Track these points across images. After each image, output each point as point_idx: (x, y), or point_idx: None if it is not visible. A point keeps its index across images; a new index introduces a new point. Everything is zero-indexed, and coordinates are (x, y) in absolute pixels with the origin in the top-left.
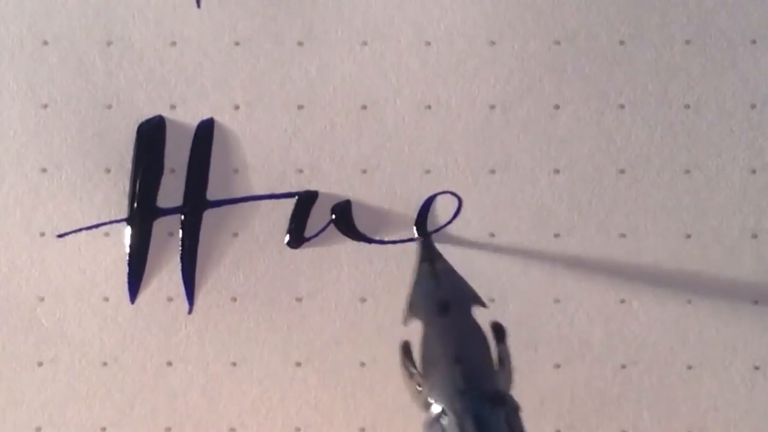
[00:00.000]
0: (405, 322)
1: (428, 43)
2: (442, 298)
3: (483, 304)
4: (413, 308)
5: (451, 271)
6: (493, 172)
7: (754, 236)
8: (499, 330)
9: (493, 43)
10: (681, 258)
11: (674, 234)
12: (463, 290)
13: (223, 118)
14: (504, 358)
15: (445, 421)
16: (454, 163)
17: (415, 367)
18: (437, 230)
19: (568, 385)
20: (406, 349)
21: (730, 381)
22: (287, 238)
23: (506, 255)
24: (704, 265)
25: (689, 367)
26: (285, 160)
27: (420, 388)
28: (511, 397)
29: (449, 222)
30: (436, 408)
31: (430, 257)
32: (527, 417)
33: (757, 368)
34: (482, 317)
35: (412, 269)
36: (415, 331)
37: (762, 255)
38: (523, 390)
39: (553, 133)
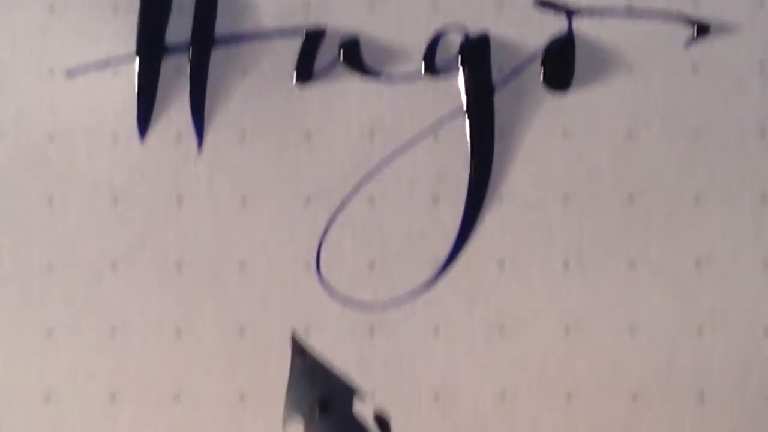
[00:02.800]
0: (284, 422)
1: None
2: (320, 396)
3: (358, 395)
4: (293, 407)
5: (322, 368)
6: None
7: (762, 68)
8: (382, 423)
9: None
10: (688, 90)
11: (682, 66)
12: (340, 386)
13: None
14: None
15: None
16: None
17: None
18: None
19: (576, 217)
20: None
21: (737, 211)
22: (295, 75)
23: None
24: (712, 98)
25: (697, 198)
26: None
27: None
28: None
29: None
30: None
31: (299, 353)
32: (536, 250)
33: (764, 197)
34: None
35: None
36: None
37: None
38: (532, 223)
39: None
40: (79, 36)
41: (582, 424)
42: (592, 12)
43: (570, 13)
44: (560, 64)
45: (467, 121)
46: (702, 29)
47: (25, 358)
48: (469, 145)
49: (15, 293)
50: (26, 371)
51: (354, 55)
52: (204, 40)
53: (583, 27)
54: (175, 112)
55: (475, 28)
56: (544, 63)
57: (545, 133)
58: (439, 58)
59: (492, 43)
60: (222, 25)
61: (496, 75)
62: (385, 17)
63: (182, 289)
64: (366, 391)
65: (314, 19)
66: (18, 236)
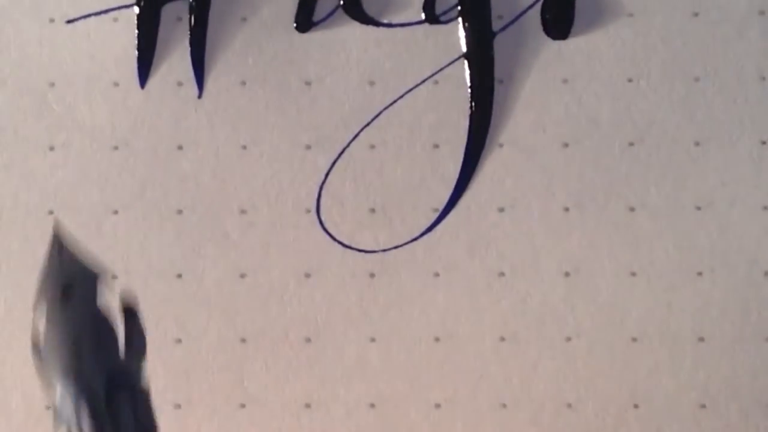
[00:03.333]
0: (34, 307)
1: None
2: (65, 281)
3: (105, 282)
4: (40, 294)
5: (75, 258)
6: None
7: (762, 13)
8: (128, 310)
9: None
10: (688, 36)
11: (681, 12)
12: (86, 272)
13: None
14: (132, 337)
15: (64, 404)
16: None
17: (41, 353)
18: None
19: (577, 163)
20: (34, 334)
21: (737, 156)
22: (296, 22)
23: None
24: (712, 43)
25: (696, 143)
26: None
27: (45, 373)
28: (138, 377)
29: None
30: (58, 391)
31: (57, 245)
32: (536, 196)
33: (763, 143)
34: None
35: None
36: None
37: None
38: (531, 170)
39: None
40: None
41: (582, 366)
42: None
43: None
44: (560, 10)
45: (467, 69)
46: None
47: (26, 305)
48: (469, 92)
49: (16, 239)
50: (27, 314)
51: (354, 3)
52: None
53: None
54: (175, 59)
55: None
56: (543, 10)
57: (545, 80)
58: (439, 5)
59: None
60: None
61: (495, 22)
62: None
63: (183, 234)
64: (112, 275)
65: None
66: (19, 183)
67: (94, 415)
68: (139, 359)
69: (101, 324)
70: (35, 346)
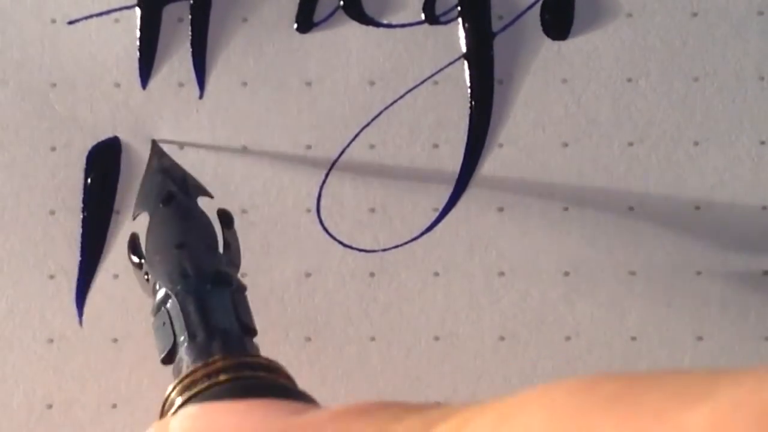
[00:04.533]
0: (133, 216)
1: None
2: (168, 189)
3: (209, 195)
4: (141, 202)
5: (175, 167)
6: None
7: (760, 13)
8: (225, 216)
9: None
10: (687, 36)
11: (680, 12)
12: (187, 182)
13: None
14: (230, 242)
15: (168, 304)
16: None
17: (141, 257)
18: None
19: (576, 163)
20: (132, 240)
21: (736, 156)
22: (296, 22)
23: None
24: (711, 43)
25: (696, 143)
26: None
27: (147, 277)
28: (237, 279)
29: None
30: (160, 294)
31: (156, 155)
32: (535, 196)
33: (762, 142)
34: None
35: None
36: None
37: None
38: (530, 169)
39: None
40: None
41: (581, 365)
42: None
43: None
44: (560, 11)
45: (467, 69)
46: None
47: (28, 304)
48: (468, 92)
49: (17, 240)
50: (30, 314)
51: (354, 4)
52: None
53: None
54: (176, 60)
55: None
56: (543, 10)
57: (545, 80)
58: (439, 6)
59: None
60: None
61: (495, 23)
62: None
63: None
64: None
65: None
66: (21, 182)
67: (202, 312)
68: (237, 262)
69: (202, 229)
70: (136, 255)
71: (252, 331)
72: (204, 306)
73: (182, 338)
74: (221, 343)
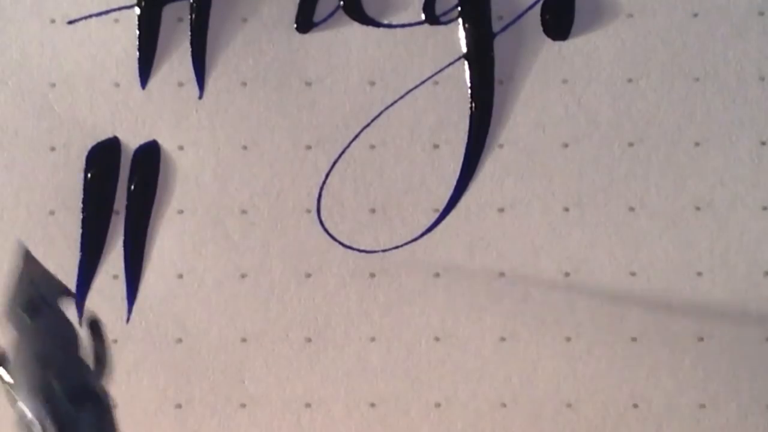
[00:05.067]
0: (5, 332)
1: None
2: (33, 297)
3: (73, 296)
4: (10, 315)
5: (41, 269)
6: None
7: (761, 14)
8: (94, 326)
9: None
10: (688, 36)
11: (681, 13)
12: (51, 285)
13: None
14: (100, 354)
15: (33, 426)
16: None
17: (7, 376)
18: None
19: (576, 163)
20: (1, 359)
21: (737, 156)
22: (296, 22)
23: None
24: (712, 43)
25: (696, 143)
26: None
27: (16, 396)
28: (103, 394)
29: None
30: (26, 413)
31: (24, 258)
32: (536, 196)
33: (763, 143)
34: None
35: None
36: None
37: None
38: (531, 170)
39: None
40: None
41: (581, 366)
42: None
43: None
44: (560, 11)
45: (467, 69)
46: None
47: None
48: (469, 92)
49: (17, 240)
50: None
51: (354, 4)
52: None
53: None
54: (176, 60)
55: None
56: (543, 11)
57: (545, 81)
58: (439, 6)
59: None
60: None
61: (495, 23)
62: None
63: (183, 234)
64: (71, 292)
65: None
66: (20, 183)
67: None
68: (105, 374)
69: (69, 339)
70: (3, 365)
71: None
72: (66, 425)
73: None
74: None
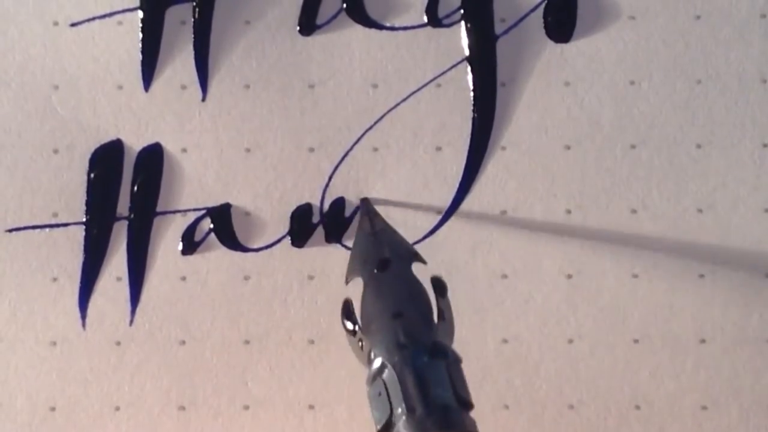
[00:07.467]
0: (346, 281)
1: None
2: (382, 255)
3: (423, 261)
4: (354, 267)
5: (389, 230)
6: None
7: (763, 16)
8: (439, 285)
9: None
10: (690, 39)
11: (683, 15)
12: (402, 247)
13: None
14: (444, 312)
15: (385, 374)
16: None
17: (356, 324)
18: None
19: (578, 165)
20: (346, 306)
21: (739, 158)
22: (299, 25)
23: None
24: (714, 46)
25: (698, 146)
26: None
27: (361, 344)
28: (452, 350)
29: None
30: (377, 363)
31: (369, 216)
32: (538, 198)
33: (765, 145)
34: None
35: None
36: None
37: None
38: (534, 172)
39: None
40: None
41: (583, 368)
42: None
43: None
44: (562, 14)
45: (470, 72)
46: None
47: (30, 306)
48: (471, 94)
49: (20, 242)
50: (33, 317)
51: (357, 6)
52: None
53: None
54: (179, 62)
55: None
56: (546, 13)
57: (547, 83)
58: (442, 8)
59: None
60: None
61: (498, 25)
62: None
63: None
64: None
65: None
66: (23, 184)
67: (420, 386)
68: (451, 332)
69: (418, 298)
70: (350, 321)
71: (469, 405)
72: (422, 379)
73: (399, 410)
74: (440, 419)
